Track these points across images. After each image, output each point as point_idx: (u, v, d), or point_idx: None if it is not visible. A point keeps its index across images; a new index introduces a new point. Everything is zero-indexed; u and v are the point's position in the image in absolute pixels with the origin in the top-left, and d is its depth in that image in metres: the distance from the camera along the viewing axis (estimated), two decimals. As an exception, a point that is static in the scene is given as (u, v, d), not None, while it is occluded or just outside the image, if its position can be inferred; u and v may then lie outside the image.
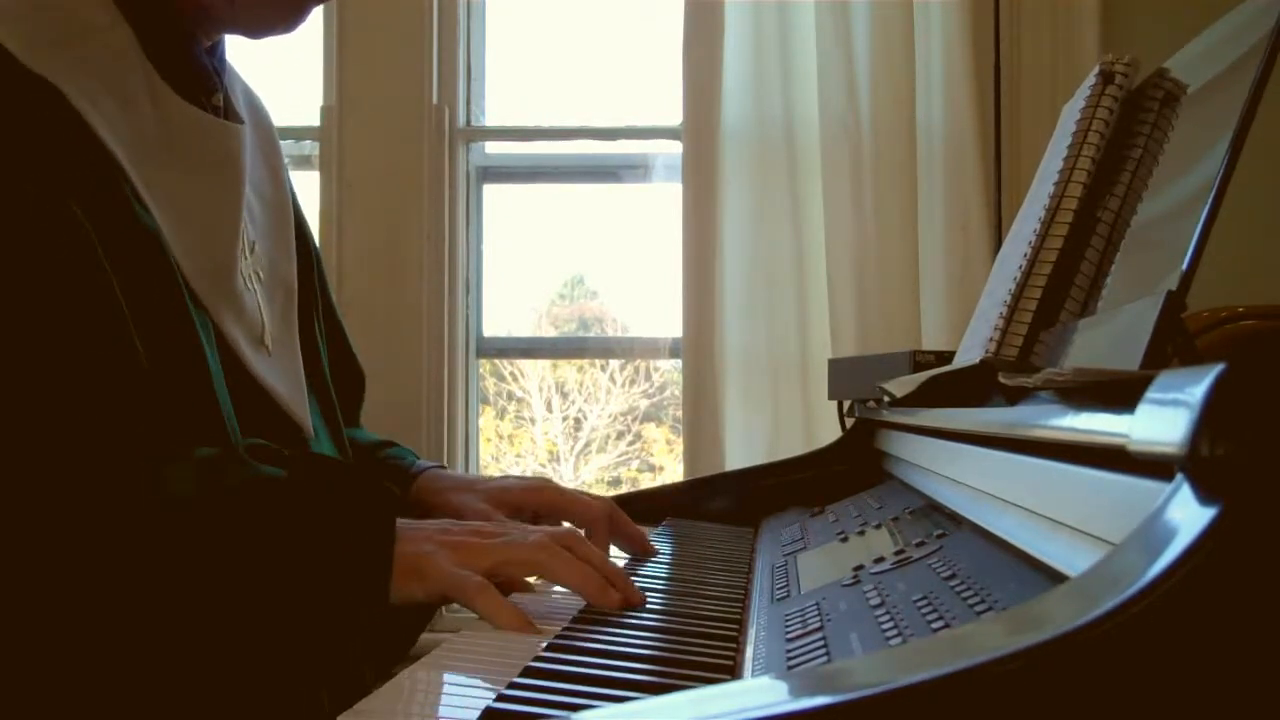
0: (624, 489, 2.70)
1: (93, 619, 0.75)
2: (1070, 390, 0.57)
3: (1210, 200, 0.63)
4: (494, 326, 2.47)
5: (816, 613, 0.70)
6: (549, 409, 3.04)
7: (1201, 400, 0.33)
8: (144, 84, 0.92)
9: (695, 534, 1.20)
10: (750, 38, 2.16)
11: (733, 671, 0.65)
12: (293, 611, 0.78)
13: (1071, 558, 0.50)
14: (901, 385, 1.02)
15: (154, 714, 0.77)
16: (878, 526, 0.93)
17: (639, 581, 0.87)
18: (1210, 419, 0.33)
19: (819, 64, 2.14)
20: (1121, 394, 0.43)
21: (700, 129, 2.16)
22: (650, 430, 3.02)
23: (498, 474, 1.93)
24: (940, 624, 0.58)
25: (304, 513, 0.81)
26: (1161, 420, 0.37)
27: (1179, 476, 0.35)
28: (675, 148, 2.25)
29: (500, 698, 0.57)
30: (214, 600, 0.77)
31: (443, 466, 1.21)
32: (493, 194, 2.44)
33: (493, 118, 2.42)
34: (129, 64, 0.91)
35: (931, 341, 2.09)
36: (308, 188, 2.23)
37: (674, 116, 2.26)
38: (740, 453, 2.14)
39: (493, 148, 2.43)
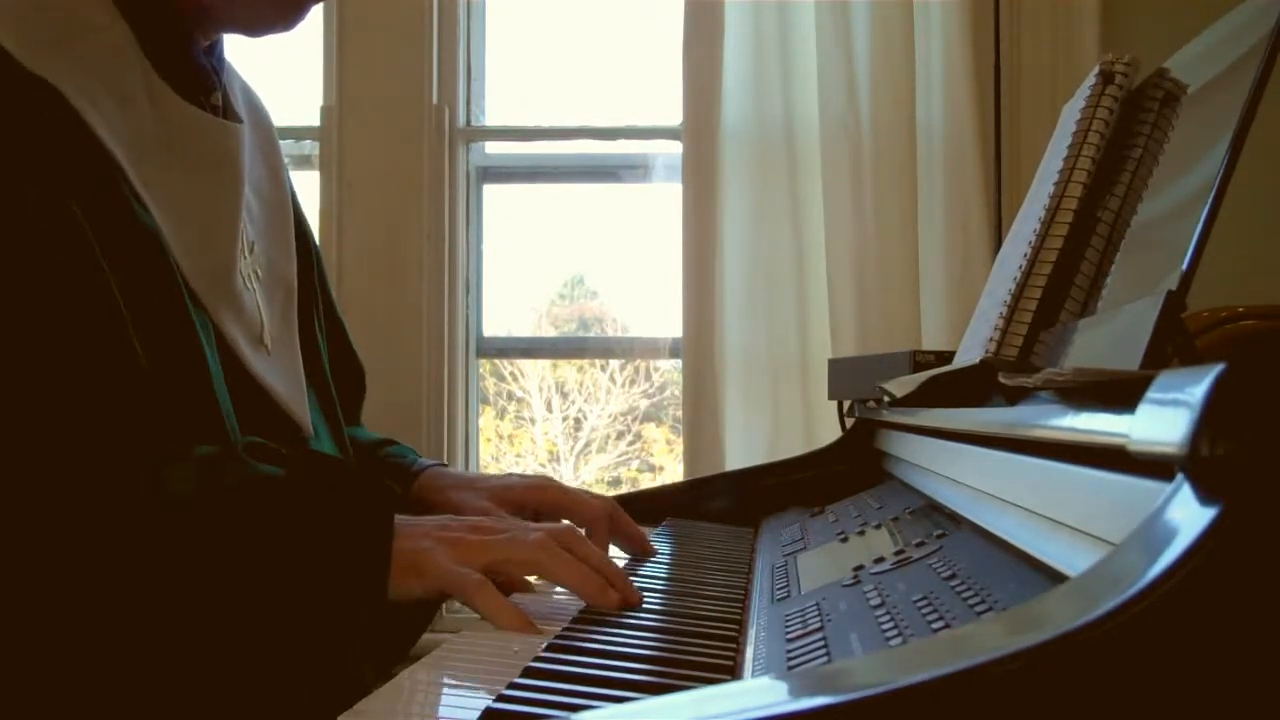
0: (624, 489, 2.70)
1: (92, 619, 0.75)
2: (1070, 390, 0.57)
3: (1210, 200, 0.63)
4: (494, 326, 2.47)
5: (816, 613, 0.70)
6: (549, 409, 3.04)
7: (1202, 400, 0.33)
8: (142, 83, 0.92)
9: (695, 534, 1.20)
10: (750, 38, 2.17)
11: (733, 672, 0.65)
12: (291, 609, 0.78)
13: (1071, 558, 0.50)
14: (901, 385, 1.02)
15: (154, 714, 0.77)
16: (878, 526, 0.93)
17: (639, 581, 0.87)
18: (1210, 419, 0.33)
19: (819, 64, 2.14)
20: (1121, 394, 0.43)
21: (700, 129, 2.16)
22: (650, 430, 3.02)
23: (498, 474, 1.93)
24: (940, 624, 0.58)
25: (302, 510, 0.81)
26: (1162, 420, 0.37)
27: (1179, 476, 0.35)
28: (675, 148, 2.25)
29: (500, 698, 0.57)
30: (213, 599, 0.77)
31: (444, 465, 1.21)
32: (493, 194, 2.44)
33: (493, 118, 2.42)
34: (127, 63, 0.91)
35: (931, 341, 2.09)
36: (308, 188, 2.23)
37: (674, 116, 2.26)
38: (740, 453, 2.14)
39: (493, 148, 2.43)
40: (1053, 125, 0.95)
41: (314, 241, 1.17)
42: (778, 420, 2.16)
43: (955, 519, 0.79)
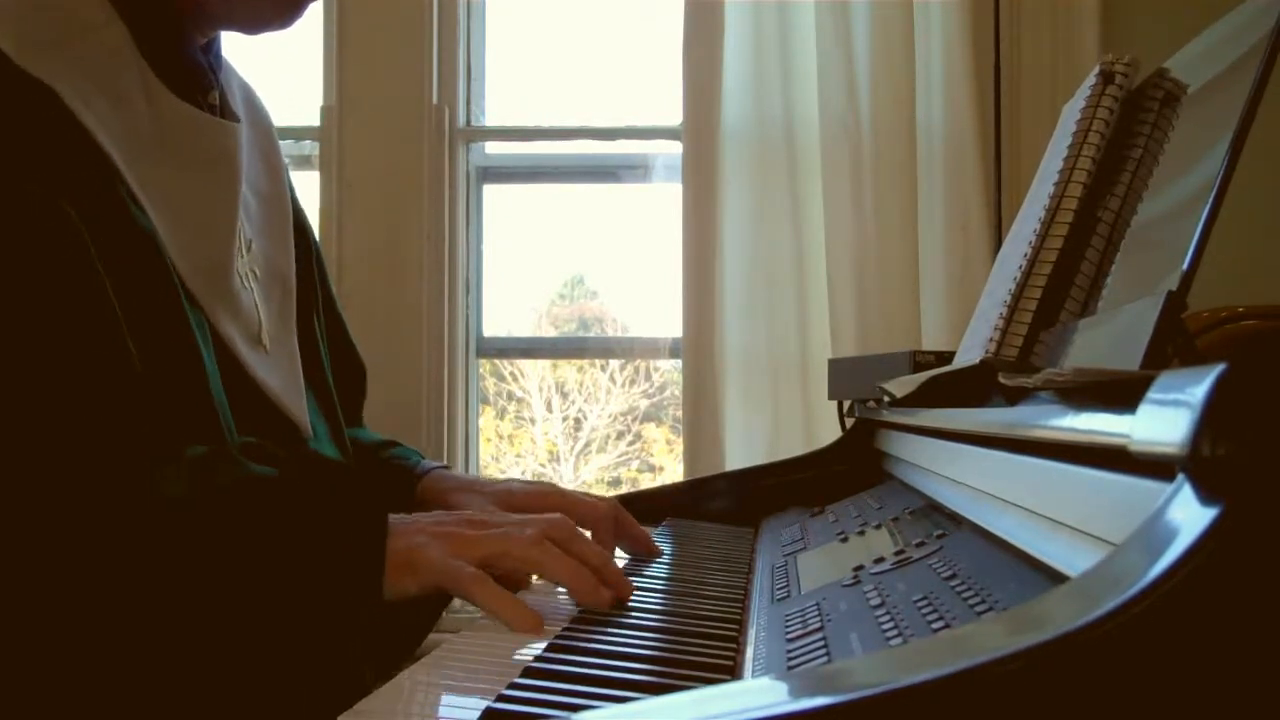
0: (624, 489, 2.70)
1: (88, 620, 0.75)
2: (1070, 390, 0.57)
3: (1210, 200, 0.63)
4: (494, 326, 2.48)
5: (817, 613, 0.70)
6: (549, 409, 3.04)
7: (1202, 400, 0.33)
8: (138, 82, 0.91)
9: (695, 534, 1.20)
10: (750, 38, 2.17)
11: (733, 672, 0.65)
12: (286, 610, 0.77)
13: (1072, 558, 0.50)
14: (901, 385, 1.02)
15: (151, 715, 0.77)
16: (878, 527, 0.93)
17: (639, 582, 0.86)
18: (1211, 419, 0.33)
19: (819, 64, 2.14)
20: (1122, 394, 0.43)
21: (700, 129, 2.16)
22: (650, 430, 3.02)
23: (498, 474, 1.92)
24: (940, 624, 0.58)
25: (295, 510, 0.81)
26: (1162, 420, 0.37)
27: (1180, 477, 0.35)
28: (675, 148, 2.25)
29: (500, 698, 0.57)
30: (208, 599, 0.77)
31: (447, 467, 1.20)
32: (493, 194, 2.44)
33: (493, 118, 2.42)
34: (123, 62, 0.91)
35: (931, 341, 2.09)
36: (308, 188, 2.23)
37: (674, 116, 2.26)
38: (740, 453, 2.14)
39: (493, 148, 2.43)
40: (1053, 125, 0.95)
41: (314, 240, 1.17)
42: (778, 420, 2.16)
43: (955, 519, 0.79)
